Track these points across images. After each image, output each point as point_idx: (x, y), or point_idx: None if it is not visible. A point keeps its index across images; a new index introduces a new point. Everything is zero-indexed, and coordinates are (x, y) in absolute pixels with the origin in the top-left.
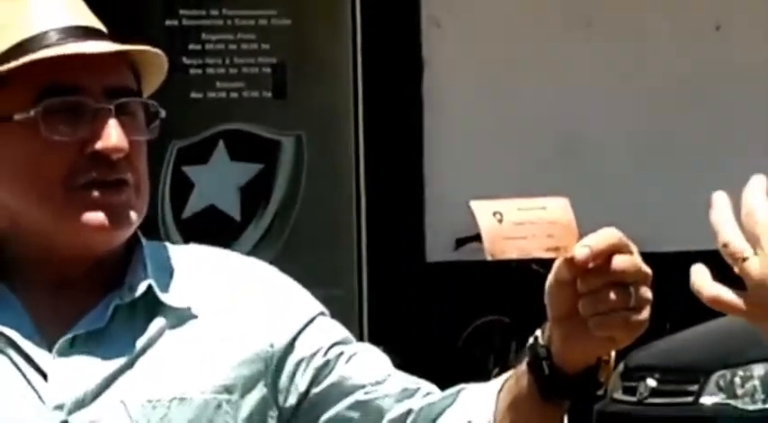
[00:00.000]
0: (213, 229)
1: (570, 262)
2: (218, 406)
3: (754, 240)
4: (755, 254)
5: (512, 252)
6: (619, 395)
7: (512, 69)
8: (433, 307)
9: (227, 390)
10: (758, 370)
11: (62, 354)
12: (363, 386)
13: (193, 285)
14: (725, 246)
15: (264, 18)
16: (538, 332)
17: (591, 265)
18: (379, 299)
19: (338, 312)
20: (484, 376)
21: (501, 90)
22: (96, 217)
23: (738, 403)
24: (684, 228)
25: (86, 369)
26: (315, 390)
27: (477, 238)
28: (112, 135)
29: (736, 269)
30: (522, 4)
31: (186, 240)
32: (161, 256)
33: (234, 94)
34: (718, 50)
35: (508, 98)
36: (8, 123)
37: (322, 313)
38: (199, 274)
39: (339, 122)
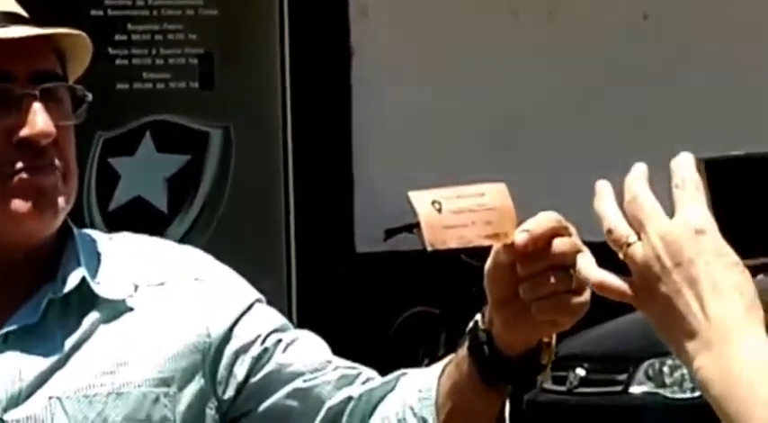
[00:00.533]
0: (140, 222)
1: (510, 247)
2: (156, 399)
3: (638, 226)
4: (639, 239)
5: (452, 241)
6: (548, 385)
7: (440, 57)
8: (363, 298)
9: (165, 382)
10: None
11: None
12: (302, 374)
13: (127, 275)
14: (609, 232)
15: (191, 8)
16: (478, 316)
17: (530, 249)
18: (308, 290)
19: (267, 304)
20: (414, 368)
21: (430, 78)
22: (25, 204)
23: (667, 392)
24: None
25: (20, 366)
26: (253, 379)
27: (407, 228)
28: (38, 121)
29: (620, 255)
30: None
31: (112, 232)
32: (94, 247)
33: (161, 85)
34: (647, 38)
35: (438, 86)
36: None
37: (259, 300)
38: (133, 263)
39: (267, 113)
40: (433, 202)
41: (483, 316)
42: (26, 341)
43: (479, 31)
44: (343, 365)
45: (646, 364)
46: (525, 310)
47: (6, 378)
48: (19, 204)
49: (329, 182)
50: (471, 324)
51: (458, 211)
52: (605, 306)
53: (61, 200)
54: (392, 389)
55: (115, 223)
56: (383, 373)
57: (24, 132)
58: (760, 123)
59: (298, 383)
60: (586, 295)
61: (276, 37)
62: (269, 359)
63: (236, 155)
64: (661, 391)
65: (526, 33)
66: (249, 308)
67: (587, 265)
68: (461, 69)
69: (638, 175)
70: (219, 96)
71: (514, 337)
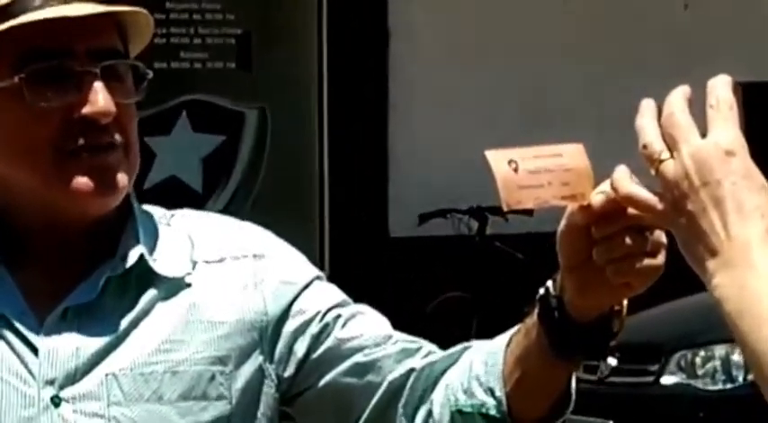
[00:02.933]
0: (174, 201)
1: (586, 209)
2: (212, 378)
3: (671, 143)
4: (672, 156)
5: (528, 202)
6: (579, 373)
7: (477, 42)
8: (396, 282)
9: (221, 361)
10: (719, 350)
11: (53, 328)
12: (362, 348)
13: (186, 252)
14: (644, 147)
15: None
16: (549, 283)
17: (606, 210)
18: (341, 274)
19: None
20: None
21: (467, 62)
22: (85, 182)
23: (698, 383)
24: None
25: (77, 343)
26: (313, 356)
27: (441, 213)
28: (99, 99)
29: (652, 171)
30: None
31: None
32: (153, 223)
33: (198, 65)
34: (686, 27)
35: (474, 71)
36: None
37: (318, 277)
38: (192, 240)
39: (303, 94)
40: (510, 162)
41: (554, 282)
42: (84, 318)
43: (520, 14)
44: (404, 339)
45: (678, 355)
46: (598, 274)
47: (63, 355)
48: (80, 183)
49: (364, 166)
50: (542, 291)
51: (534, 172)
52: (638, 296)
53: (122, 177)
54: (455, 361)
55: (149, 202)
56: None
57: (85, 110)
58: None
59: (358, 358)
60: (661, 258)
61: (314, 18)
62: (328, 335)
63: (272, 136)
64: (693, 382)
65: (567, 18)
66: (307, 285)
67: (621, 177)
68: (500, 53)
69: (678, 95)
70: (256, 77)
71: (586, 303)
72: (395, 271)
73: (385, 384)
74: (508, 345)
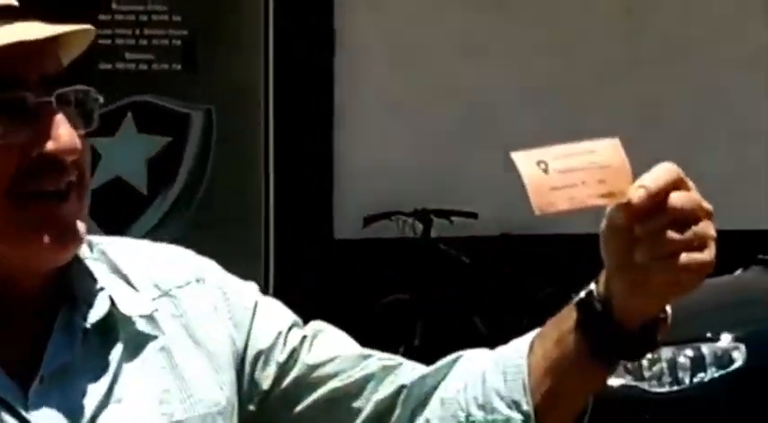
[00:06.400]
0: (119, 202)
1: (626, 206)
2: (213, 421)
3: None
4: None
5: (562, 204)
6: None
7: (424, 43)
8: (340, 285)
9: (216, 402)
10: (666, 353)
11: (37, 396)
12: (336, 374)
13: (144, 288)
14: None
15: None
16: (592, 286)
17: (648, 206)
18: (285, 276)
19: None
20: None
21: (413, 65)
22: (45, 236)
23: (645, 385)
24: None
25: (67, 405)
26: (280, 387)
27: (386, 216)
28: (63, 134)
29: None
30: None
31: (91, 213)
32: (93, 255)
33: (143, 66)
34: (629, 32)
35: (420, 73)
36: None
37: (256, 292)
38: (143, 273)
39: (249, 96)
40: (539, 163)
41: (597, 285)
42: (66, 377)
43: (465, 17)
44: (380, 356)
45: None
46: (646, 273)
47: (56, 421)
48: (39, 235)
49: (309, 167)
50: (583, 295)
51: (566, 171)
52: None
53: (81, 225)
54: (446, 374)
55: (94, 204)
56: None
57: (49, 148)
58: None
59: (333, 384)
60: (708, 253)
61: (260, 21)
62: (295, 362)
63: (217, 138)
64: (639, 384)
65: (512, 19)
66: (256, 305)
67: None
68: (446, 55)
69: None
70: (202, 78)
71: (636, 304)
72: (340, 273)
73: (370, 407)
74: (529, 355)
